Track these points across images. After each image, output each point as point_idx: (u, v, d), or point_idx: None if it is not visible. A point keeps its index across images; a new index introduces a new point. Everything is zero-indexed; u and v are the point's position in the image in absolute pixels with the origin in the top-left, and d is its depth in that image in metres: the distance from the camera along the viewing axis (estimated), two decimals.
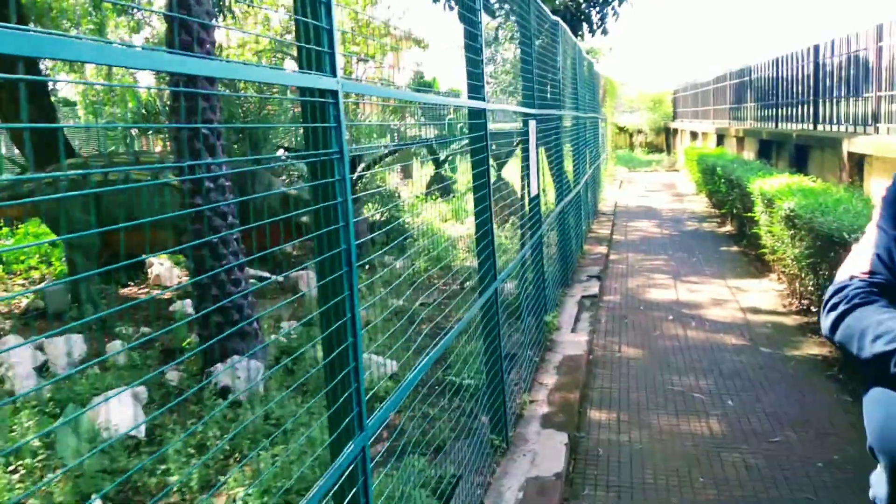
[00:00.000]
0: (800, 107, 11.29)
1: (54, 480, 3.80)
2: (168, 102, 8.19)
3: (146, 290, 8.19)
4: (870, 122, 8.40)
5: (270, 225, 7.44)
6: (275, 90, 6.73)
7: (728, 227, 12.54)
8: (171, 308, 7.09)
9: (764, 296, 8.00)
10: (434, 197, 14.86)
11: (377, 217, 12.11)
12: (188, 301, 7.08)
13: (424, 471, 3.64)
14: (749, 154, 14.65)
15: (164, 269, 8.23)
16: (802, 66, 11.06)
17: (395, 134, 12.83)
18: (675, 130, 28.62)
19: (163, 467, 3.95)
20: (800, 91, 11.30)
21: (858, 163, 8.35)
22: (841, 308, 1.50)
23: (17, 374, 5.33)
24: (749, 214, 9.22)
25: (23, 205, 8.51)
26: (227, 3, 12.38)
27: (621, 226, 13.88)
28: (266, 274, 8.90)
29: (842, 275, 1.57)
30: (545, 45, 7.80)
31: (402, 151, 18.08)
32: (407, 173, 18.07)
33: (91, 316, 6.27)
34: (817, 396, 5.19)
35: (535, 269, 6.33)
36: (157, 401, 5.14)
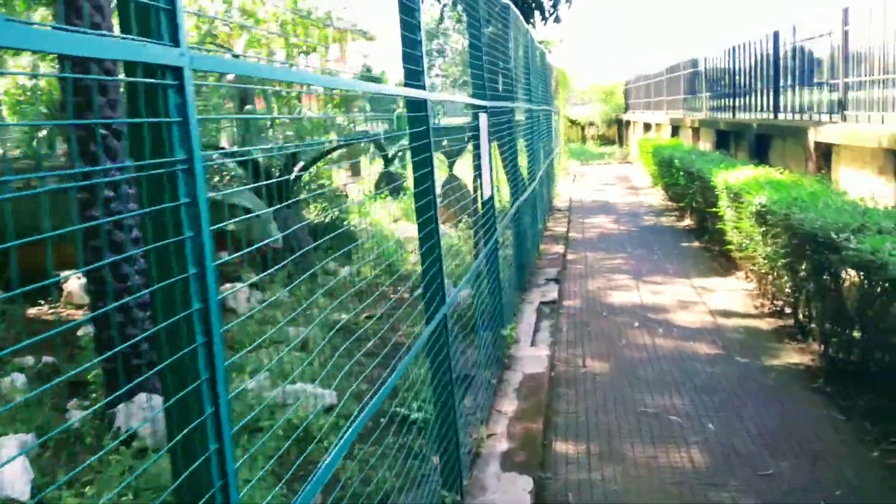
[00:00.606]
0: (759, 95, 10.91)
1: None
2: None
3: (58, 310, 7.30)
4: (836, 109, 8.00)
5: None
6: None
7: (688, 222, 12.14)
8: (79, 332, 6.25)
9: (732, 296, 7.53)
10: (383, 196, 14.14)
11: (321, 219, 11.37)
12: None
13: None
14: (706, 145, 14.31)
15: (78, 285, 7.36)
16: (761, 53, 10.67)
17: (335, 129, 12.05)
18: (628, 122, 28.42)
19: None
20: (759, 79, 10.92)
21: (825, 153, 7.94)
22: None
23: None
24: (713, 209, 8.77)
25: None
26: None
27: (577, 222, 13.39)
28: None
29: None
30: (495, 32, 7.17)
31: (349, 147, 17.35)
32: (353, 171, 17.32)
33: None
34: (804, 413, 4.68)
35: (490, 279, 5.70)
36: (52, 447, 4.37)
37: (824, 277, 5.13)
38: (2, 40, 0.94)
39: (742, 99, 11.96)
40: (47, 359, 5.79)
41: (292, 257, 5.93)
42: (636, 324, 6.84)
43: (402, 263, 9.07)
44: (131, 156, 1.31)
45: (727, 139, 12.46)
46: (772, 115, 10.29)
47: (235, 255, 6.75)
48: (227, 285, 8.43)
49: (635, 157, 23.04)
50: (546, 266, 9.36)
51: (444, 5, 10.39)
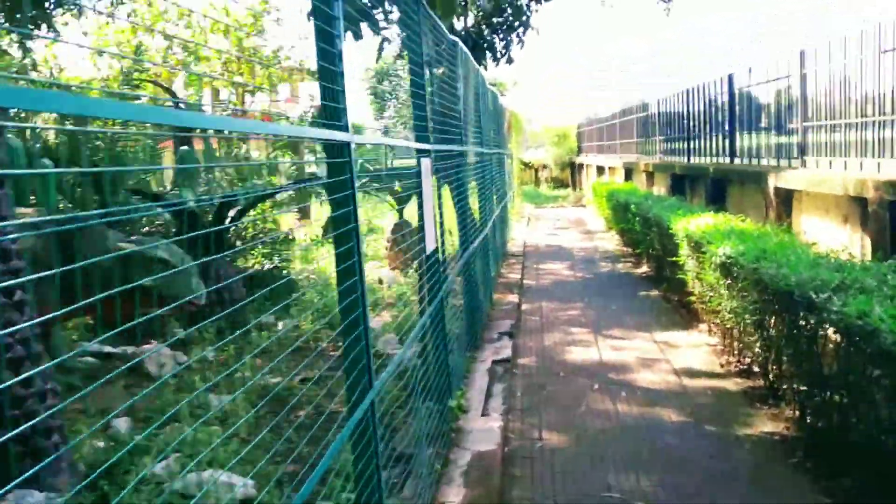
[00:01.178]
0: (715, 139, 10.69)
1: None
2: None
3: None
4: (795, 154, 7.71)
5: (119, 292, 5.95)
6: None
7: (645, 268, 11.76)
8: None
9: (697, 353, 7.06)
10: (330, 241, 13.47)
11: (260, 268, 10.64)
12: None
13: None
14: (660, 189, 14.08)
15: None
16: (716, 97, 10.48)
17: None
18: (581, 165, 28.42)
19: None
20: (714, 123, 10.71)
21: (786, 199, 7.62)
22: None
23: None
24: (672, 258, 8.36)
25: None
26: None
27: (532, 268, 12.92)
28: (112, 349, 7.29)
29: None
30: (443, 71, 6.71)
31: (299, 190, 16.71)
32: (303, 214, 16.66)
33: None
34: (788, 498, 4.14)
35: (436, 343, 5.09)
36: None
37: (800, 340, 4.66)
38: None
39: (697, 142, 11.75)
40: None
41: (220, 315, 5.28)
42: (596, 386, 6.29)
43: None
44: None
45: (683, 184, 12.21)
46: (728, 160, 10.04)
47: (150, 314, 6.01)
48: (148, 346, 7.65)
49: (589, 201, 22.88)
50: (500, 318, 8.80)
51: (384, 39, 9.90)
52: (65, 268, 4.42)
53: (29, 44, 9.69)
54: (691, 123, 12.17)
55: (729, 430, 5.12)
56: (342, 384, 3.22)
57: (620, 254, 13.78)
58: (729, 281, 5.99)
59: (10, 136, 6.03)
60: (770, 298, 5.06)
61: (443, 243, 6.96)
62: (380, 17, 9.29)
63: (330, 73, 2.91)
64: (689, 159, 12.19)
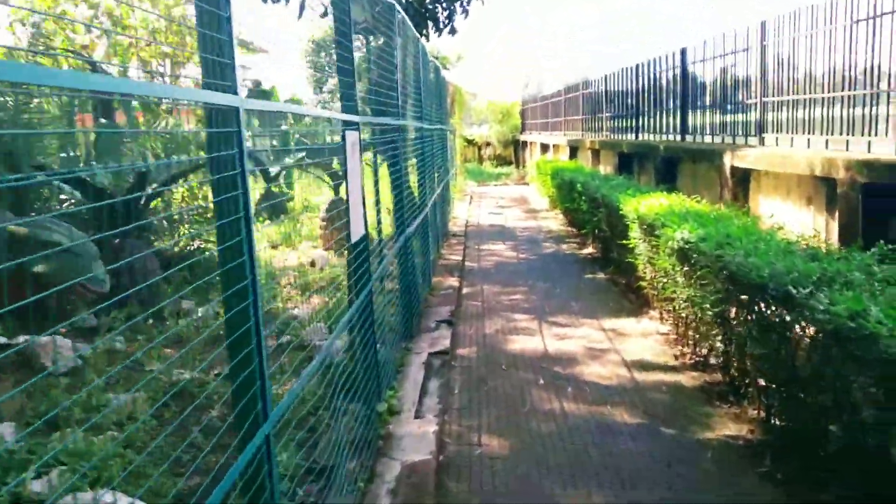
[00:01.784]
0: (666, 116, 10.23)
1: None
2: None
3: None
4: (753, 132, 7.27)
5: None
6: None
7: (590, 250, 11.31)
8: None
9: (648, 342, 6.58)
10: (261, 219, 12.58)
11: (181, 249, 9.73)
12: None
13: None
14: (607, 168, 13.64)
15: None
16: (668, 72, 10.00)
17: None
18: (525, 143, 27.96)
19: None
20: (666, 98, 10.25)
21: (743, 178, 7.18)
22: None
23: None
24: (621, 240, 7.87)
25: None
26: None
27: (474, 249, 12.34)
28: (6, 340, 6.38)
29: None
30: (376, 36, 5.97)
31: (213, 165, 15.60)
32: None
33: None
34: None
35: (364, 338, 4.42)
36: None
37: (770, 336, 4.16)
38: None
39: (647, 119, 11.30)
40: None
41: (116, 298, 4.49)
42: (541, 381, 5.74)
43: (275, 300, 7.65)
44: None
45: (630, 162, 11.77)
46: (679, 137, 9.60)
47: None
48: (45, 337, 6.76)
49: (533, 179, 22.43)
50: (439, 303, 8.19)
51: None
52: None
53: None
54: (640, 100, 11.71)
55: (687, 434, 4.62)
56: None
57: (565, 234, 13.33)
58: (686, 268, 5.50)
59: None
60: (734, 289, 4.57)
61: (379, 223, 6.33)
62: None
63: (212, 17, 2.18)
64: (637, 136, 11.74)
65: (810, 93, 6.18)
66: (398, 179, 6.47)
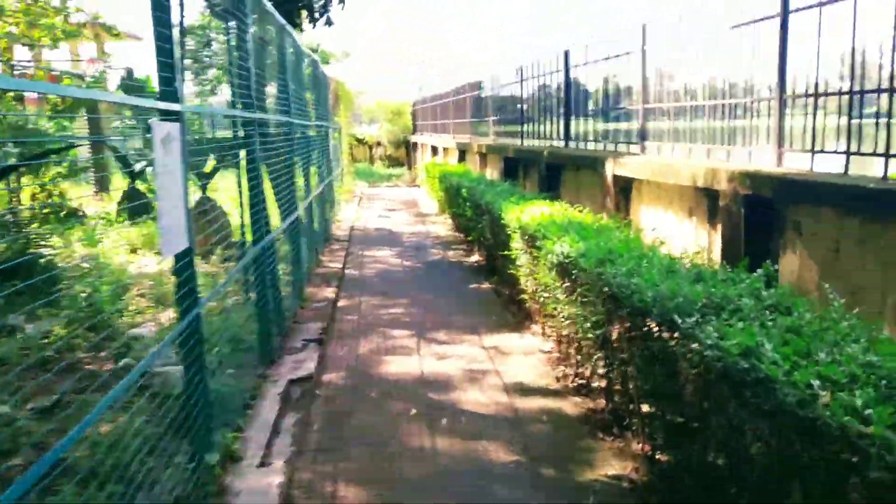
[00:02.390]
0: (550, 122, 9.94)
1: None
2: None
3: None
4: (635, 140, 7.02)
5: None
6: None
7: (477, 257, 10.90)
8: None
9: (529, 361, 6.16)
10: (121, 219, 11.37)
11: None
12: None
13: None
14: (493, 173, 13.31)
15: None
16: (551, 76, 9.70)
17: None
18: (416, 144, 27.48)
19: None
20: (549, 104, 9.96)
21: (625, 187, 6.91)
22: None
23: None
24: (503, 251, 7.45)
25: None
26: None
27: (357, 255, 11.68)
28: None
29: None
30: (219, 16, 5.22)
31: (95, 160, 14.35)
32: (101, 187, 14.27)
33: None
34: None
35: (192, 372, 3.68)
36: None
37: (654, 365, 3.77)
38: None
39: (531, 125, 11.00)
40: None
41: None
42: (414, 411, 5.18)
43: (124, 314, 6.70)
44: None
45: (516, 167, 11.46)
46: (563, 144, 9.32)
47: None
48: None
49: (423, 181, 21.97)
50: (310, 319, 7.49)
51: None
52: None
53: None
54: (526, 104, 11.41)
55: (569, 476, 4.17)
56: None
57: (452, 240, 12.89)
58: (567, 283, 5.08)
59: None
60: (615, 310, 4.17)
61: (242, 225, 5.63)
62: None
63: None
64: (522, 142, 11.45)
65: (692, 100, 5.95)
66: (254, 180, 5.74)
